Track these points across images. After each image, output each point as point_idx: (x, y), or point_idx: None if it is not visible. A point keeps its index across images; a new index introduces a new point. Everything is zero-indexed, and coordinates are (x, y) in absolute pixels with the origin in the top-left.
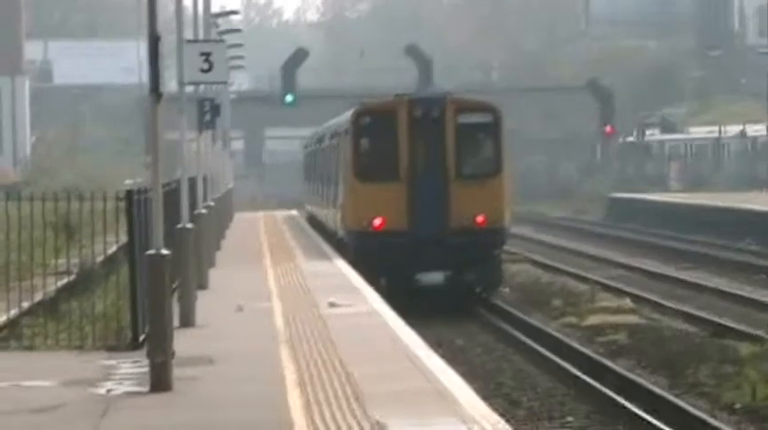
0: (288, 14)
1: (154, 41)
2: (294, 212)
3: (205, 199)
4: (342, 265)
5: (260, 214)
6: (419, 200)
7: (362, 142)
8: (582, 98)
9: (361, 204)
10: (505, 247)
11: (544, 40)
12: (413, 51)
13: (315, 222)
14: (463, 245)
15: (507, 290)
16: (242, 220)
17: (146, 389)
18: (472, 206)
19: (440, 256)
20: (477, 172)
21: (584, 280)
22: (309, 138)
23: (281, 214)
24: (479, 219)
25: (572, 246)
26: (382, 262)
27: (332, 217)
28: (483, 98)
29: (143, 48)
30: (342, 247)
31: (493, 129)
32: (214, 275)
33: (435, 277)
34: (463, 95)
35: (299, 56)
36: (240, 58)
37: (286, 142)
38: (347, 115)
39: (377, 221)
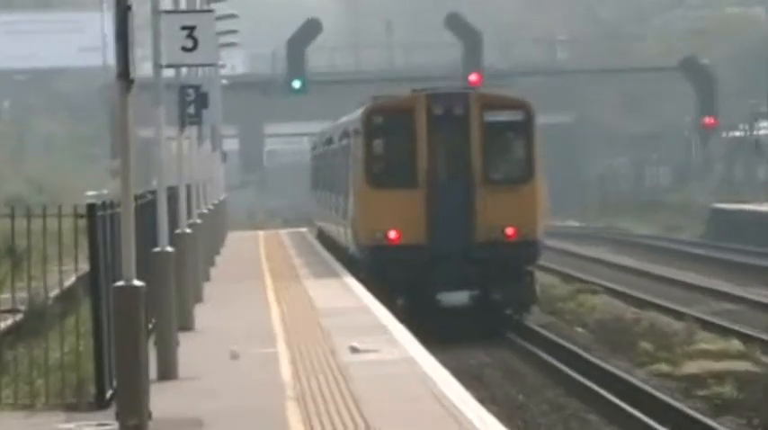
0: None
1: (122, 12)
2: (304, 230)
3: (189, 214)
4: (363, 295)
5: (260, 233)
6: (440, 209)
7: (375, 144)
8: (674, 82)
9: (374, 214)
10: (579, 275)
11: (625, 8)
12: (455, 22)
13: (325, 239)
14: (491, 260)
15: (581, 329)
16: (237, 241)
17: None
18: (501, 216)
19: (464, 273)
20: (507, 177)
21: (679, 316)
22: (318, 137)
23: (286, 233)
24: (509, 230)
25: (663, 273)
26: (398, 280)
27: (342, 230)
28: (514, 93)
29: (108, 21)
30: (353, 266)
31: (524, 128)
32: (202, 312)
33: (459, 297)
34: (489, 90)
35: (310, 29)
36: (233, 32)
37: (293, 141)
38: (358, 113)
39: (392, 234)
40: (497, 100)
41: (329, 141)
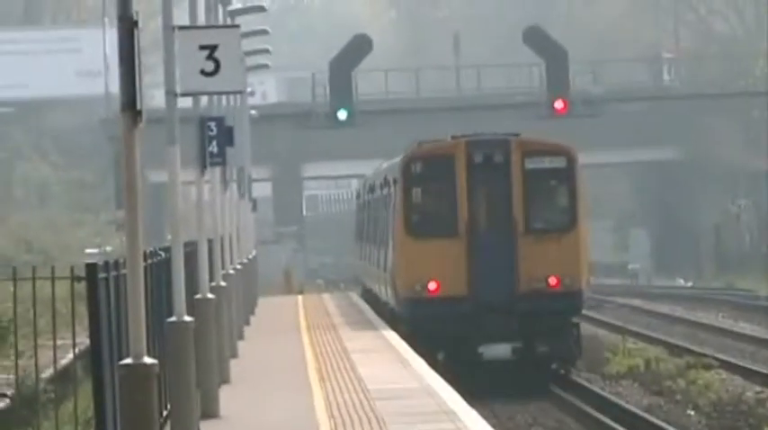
0: None
1: (127, 28)
2: (352, 295)
3: (212, 276)
4: (425, 372)
5: (298, 298)
6: (481, 259)
7: (414, 192)
8: None
9: (414, 265)
10: (690, 347)
11: (745, 21)
12: (536, 38)
13: (369, 297)
14: (534, 311)
15: (693, 413)
16: (271, 308)
17: None
18: (544, 265)
19: (507, 325)
20: (550, 225)
21: None
22: (362, 184)
23: (330, 297)
24: (553, 280)
25: None
26: (439, 333)
27: (383, 284)
28: (556, 140)
29: (111, 39)
30: (395, 321)
31: (567, 175)
32: (229, 395)
33: (502, 350)
34: (531, 137)
35: (359, 47)
36: (264, 52)
37: (338, 184)
38: (396, 160)
39: (432, 285)
40: (539, 146)
41: (372, 189)
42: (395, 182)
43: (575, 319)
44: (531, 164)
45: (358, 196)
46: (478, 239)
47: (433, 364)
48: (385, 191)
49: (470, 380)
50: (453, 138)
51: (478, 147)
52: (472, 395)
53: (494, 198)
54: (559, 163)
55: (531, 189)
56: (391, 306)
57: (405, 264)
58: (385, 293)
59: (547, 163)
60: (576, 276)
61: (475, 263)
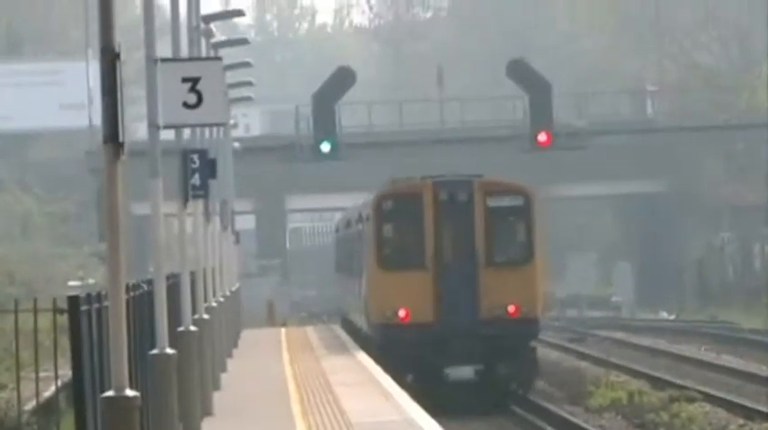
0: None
1: (109, 61)
2: (336, 329)
3: (195, 309)
4: (407, 405)
5: (281, 331)
6: (447, 288)
7: (385, 228)
8: None
9: (385, 295)
10: (673, 380)
11: (728, 53)
12: (519, 71)
13: (348, 325)
14: (495, 336)
15: None
16: (254, 341)
17: None
18: (504, 295)
19: (470, 349)
20: (509, 258)
21: None
22: (340, 219)
23: (313, 330)
24: (512, 308)
25: None
26: (408, 356)
27: (358, 311)
28: (514, 180)
29: (94, 71)
30: (368, 345)
31: (525, 213)
32: (211, 429)
33: (465, 372)
34: (492, 177)
35: (342, 80)
36: (248, 84)
37: (322, 217)
38: (369, 199)
39: (402, 312)
40: (499, 186)
41: (348, 224)
42: (368, 218)
43: (532, 343)
44: (493, 202)
45: (337, 230)
46: (444, 271)
47: (402, 385)
48: (359, 226)
49: (437, 400)
50: (422, 178)
51: (444, 186)
52: (439, 413)
53: (458, 233)
54: (518, 201)
55: (492, 225)
56: (365, 331)
57: (376, 293)
58: (360, 320)
59: (507, 201)
60: (533, 304)
61: (441, 292)
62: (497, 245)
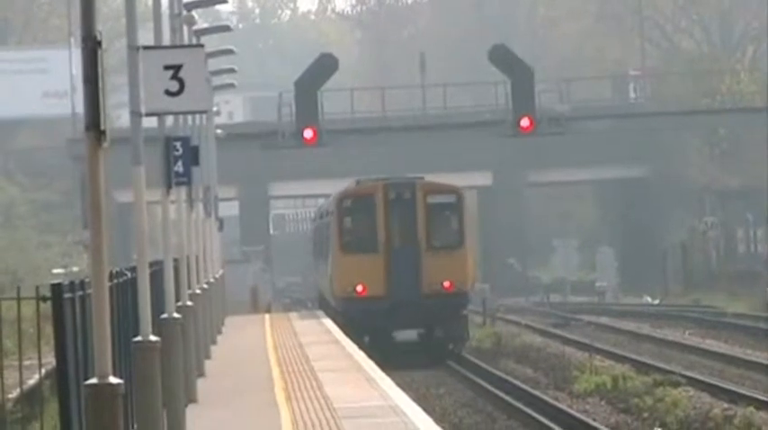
0: (306, 4)
1: (91, 49)
2: (320, 315)
3: (178, 296)
4: (391, 389)
5: (265, 317)
6: (395, 268)
7: (345, 220)
8: None
9: (346, 274)
10: (657, 364)
11: (712, 37)
12: (501, 56)
13: (322, 301)
14: (434, 306)
15: (659, 429)
16: (238, 328)
17: None
18: (441, 273)
19: (414, 316)
20: (444, 244)
21: None
22: (316, 210)
23: (297, 316)
24: (447, 284)
25: (760, 359)
26: (365, 323)
27: (327, 288)
28: (448, 182)
29: (78, 59)
30: (335, 315)
31: (457, 208)
32: (195, 416)
33: (410, 334)
34: (431, 180)
35: (324, 67)
36: (230, 72)
37: (306, 203)
38: (333, 197)
39: (359, 288)
40: (436, 186)
41: (321, 216)
42: (332, 212)
43: (464, 312)
44: (431, 199)
45: (313, 220)
46: (393, 254)
47: (361, 346)
48: (327, 218)
49: (388, 357)
50: (375, 181)
51: (392, 187)
52: (389, 367)
53: (404, 224)
54: (451, 199)
55: (431, 218)
56: (333, 304)
57: (339, 272)
58: (329, 295)
59: (442, 199)
60: (464, 281)
61: (390, 271)
62: (435, 233)
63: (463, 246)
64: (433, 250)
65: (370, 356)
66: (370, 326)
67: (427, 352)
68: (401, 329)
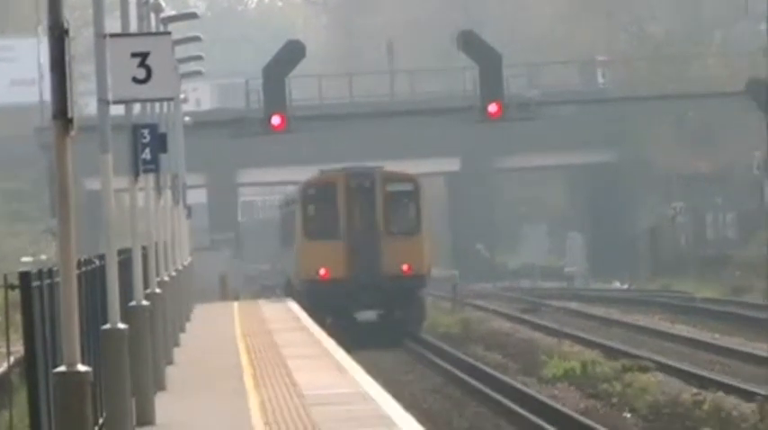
0: None
1: (58, 36)
2: (289, 302)
3: (147, 283)
4: (361, 378)
5: (234, 304)
6: (356, 253)
7: (309, 208)
8: (740, 110)
9: (310, 258)
10: (626, 349)
11: (679, 22)
12: (469, 42)
13: (288, 286)
14: (392, 288)
15: (629, 415)
16: (207, 315)
17: None
18: (399, 257)
19: (373, 298)
20: (403, 230)
21: (748, 396)
22: (282, 198)
23: (266, 303)
24: (405, 267)
25: (729, 344)
26: (328, 304)
27: (293, 271)
28: (406, 171)
29: (46, 48)
30: (300, 297)
31: (414, 196)
32: (164, 403)
33: (370, 315)
34: (390, 169)
35: (292, 53)
36: (198, 59)
37: (274, 190)
38: (297, 186)
39: (322, 271)
40: (395, 175)
41: (287, 204)
42: (297, 200)
43: (420, 294)
44: (390, 188)
45: (280, 208)
46: (354, 240)
47: (323, 326)
48: (293, 207)
49: (349, 336)
50: (337, 170)
51: (353, 176)
52: (350, 346)
53: (364, 211)
54: (409, 187)
55: (390, 205)
56: (298, 287)
57: (303, 257)
58: (294, 279)
59: (400, 187)
60: (421, 265)
61: (351, 256)
62: (393, 220)
63: (420, 231)
64: (391, 236)
65: (332, 336)
66: (332, 308)
67: (386, 331)
68: (362, 310)
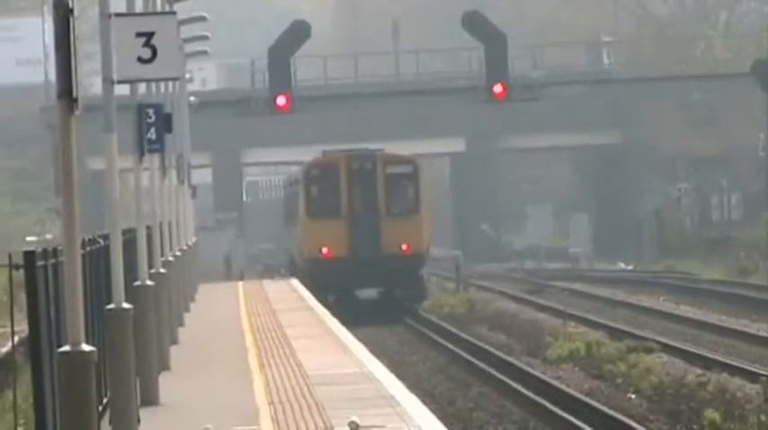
0: None
1: (63, 16)
2: (293, 282)
3: (151, 263)
4: (365, 357)
5: (239, 284)
6: (357, 232)
7: (312, 189)
8: (746, 91)
9: (313, 237)
10: (631, 330)
11: (685, 3)
12: (474, 22)
13: (292, 264)
14: (392, 267)
15: (633, 396)
16: (211, 295)
17: None
18: (399, 237)
19: (374, 276)
20: (402, 210)
21: (753, 377)
22: (286, 178)
23: (271, 283)
24: (404, 247)
25: (734, 325)
26: (330, 282)
27: (296, 250)
28: (405, 154)
29: (51, 27)
30: (303, 275)
31: (413, 178)
32: (168, 383)
33: (371, 293)
34: (390, 152)
35: (297, 34)
36: (203, 39)
37: (278, 170)
38: (301, 167)
39: (325, 250)
40: (395, 158)
41: (291, 184)
42: (300, 181)
43: (420, 272)
44: (390, 170)
45: (284, 188)
46: (355, 219)
47: (326, 304)
48: (296, 187)
49: (351, 314)
50: (339, 152)
51: (355, 158)
52: (352, 323)
53: (365, 192)
54: (408, 169)
55: (390, 187)
56: (301, 266)
57: (307, 236)
58: (298, 257)
59: (400, 169)
60: (420, 244)
61: (353, 235)
62: (393, 201)
63: (419, 212)
64: (391, 216)
65: (335, 313)
66: (334, 286)
67: (387, 308)
68: (363, 288)
